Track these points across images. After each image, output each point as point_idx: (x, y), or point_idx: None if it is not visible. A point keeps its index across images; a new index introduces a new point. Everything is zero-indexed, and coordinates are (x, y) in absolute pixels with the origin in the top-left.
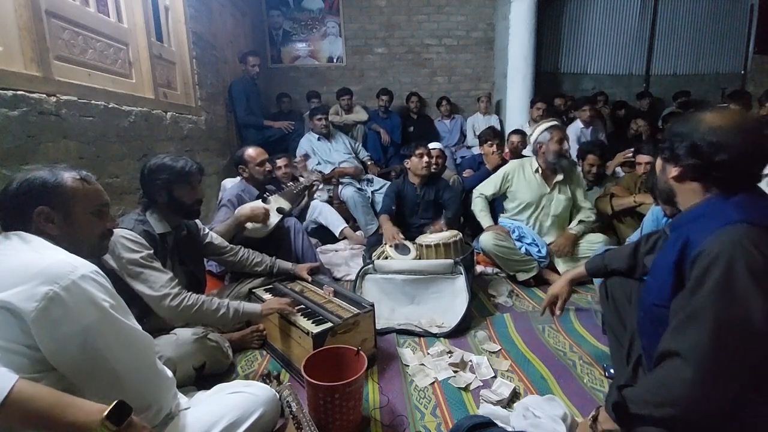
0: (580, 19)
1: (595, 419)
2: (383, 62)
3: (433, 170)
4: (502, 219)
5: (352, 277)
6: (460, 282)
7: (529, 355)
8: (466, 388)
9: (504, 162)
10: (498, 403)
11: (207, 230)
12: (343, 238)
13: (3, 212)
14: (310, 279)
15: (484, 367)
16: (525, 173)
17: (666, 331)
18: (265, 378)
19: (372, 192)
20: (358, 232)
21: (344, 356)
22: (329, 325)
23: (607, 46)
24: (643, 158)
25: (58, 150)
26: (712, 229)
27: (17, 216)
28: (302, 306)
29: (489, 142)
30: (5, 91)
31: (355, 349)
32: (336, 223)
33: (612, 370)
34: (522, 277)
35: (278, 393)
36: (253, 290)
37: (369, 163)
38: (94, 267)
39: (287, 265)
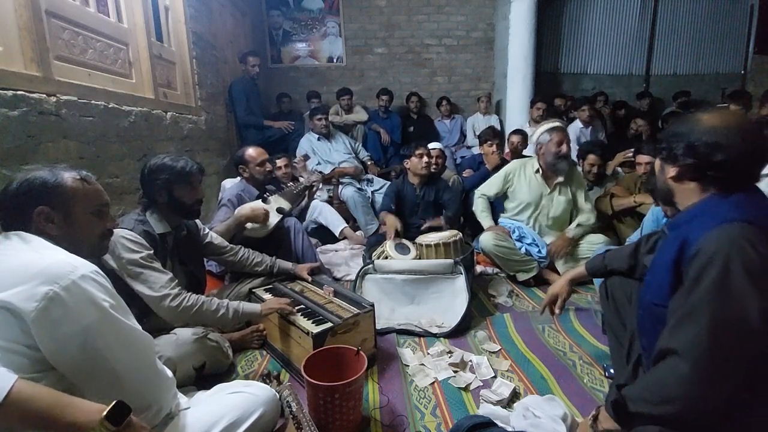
0: (580, 19)
1: (595, 419)
2: (383, 62)
3: (433, 170)
4: (503, 219)
5: (352, 277)
6: (460, 282)
7: (529, 355)
8: (466, 388)
9: (504, 162)
10: (498, 403)
11: (207, 230)
12: (343, 238)
13: (3, 212)
14: (310, 279)
15: (484, 367)
16: (526, 173)
17: (664, 329)
18: (265, 378)
19: (372, 192)
20: (358, 232)
21: (344, 356)
22: (329, 325)
23: (607, 46)
24: (643, 158)
25: (58, 150)
26: (710, 227)
27: (17, 216)
28: (302, 306)
29: (489, 142)
30: (5, 91)
31: (355, 349)
32: (336, 223)
33: (612, 370)
34: (522, 277)
35: (278, 393)
36: (253, 290)
37: (369, 163)
38: (94, 267)
39: (287, 265)
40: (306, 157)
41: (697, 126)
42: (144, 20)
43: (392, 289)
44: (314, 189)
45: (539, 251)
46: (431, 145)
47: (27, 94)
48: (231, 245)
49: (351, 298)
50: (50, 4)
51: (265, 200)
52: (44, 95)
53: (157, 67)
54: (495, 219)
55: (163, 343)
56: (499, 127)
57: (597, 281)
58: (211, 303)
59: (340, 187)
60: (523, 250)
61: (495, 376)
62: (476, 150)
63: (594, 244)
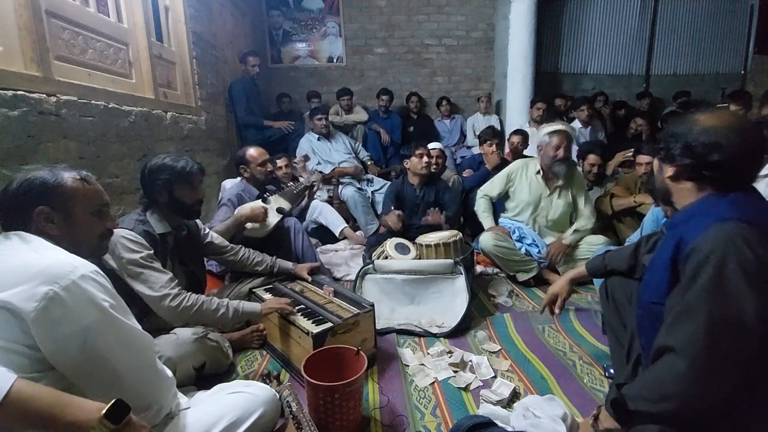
0: (580, 19)
1: (596, 418)
2: (383, 62)
3: (432, 170)
4: (503, 219)
5: (352, 277)
6: (460, 282)
7: (529, 355)
8: (466, 388)
9: (504, 162)
10: (498, 403)
11: (207, 230)
12: (343, 238)
13: (3, 212)
14: (310, 279)
15: (484, 367)
16: (527, 173)
17: (661, 327)
18: (265, 378)
19: (372, 192)
20: (358, 232)
21: (344, 356)
22: (329, 325)
23: (607, 46)
24: (643, 158)
25: (58, 150)
26: (706, 226)
27: (17, 216)
28: (302, 306)
29: (488, 142)
30: (5, 91)
31: (355, 349)
32: (336, 223)
33: (612, 370)
34: (522, 277)
35: (278, 393)
36: (253, 290)
37: (369, 163)
38: (94, 267)
39: (287, 264)
40: (306, 158)
41: (695, 126)
42: (144, 20)
43: (392, 289)
44: (314, 189)
45: (539, 251)
46: (431, 145)
47: (27, 94)
48: (231, 245)
49: (351, 298)
50: (50, 4)
51: (265, 200)
52: (44, 95)
53: (157, 67)
54: (495, 219)
55: (163, 343)
56: (499, 127)
57: (597, 281)
58: (211, 302)
59: (340, 187)
60: (523, 250)
61: (495, 376)
62: (476, 150)
63: (593, 244)
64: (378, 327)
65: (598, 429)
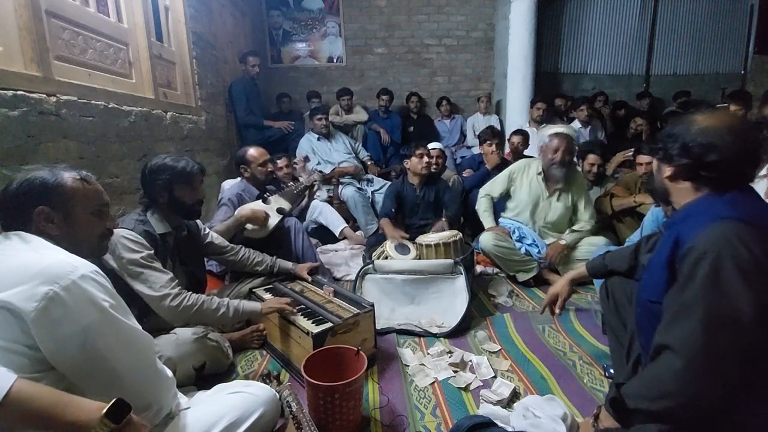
0: (580, 19)
1: (596, 418)
2: (383, 62)
3: (433, 170)
4: (503, 219)
5: (352, 277)
6: (460, 282)
7: (529, 355)
8: (466, 388)
9: (504, 162)
10: (498, 403)
11: (207, 230)
12: (343, 238)
13: (3, 212)
14: (310, 279)
15: (484, 367)
16: (529, 174)
17: (659, 326)
18: (265, 378)
19: (372, 192)
20: (358, 232)
21: (344, 356)
22: (329, 325)
23: (607, 46)
24: (643, 158)
25: (58, 150)
26: (702, 225)
27: (17, 216)
28: (302, 306)
29: (488, 142)
30: (5, 91)
31: (355, 349)
32: (336, 223)
33: (612, 370)
34: (522, 277)
35: (278, 393)
36: (254, 290)
37: (369, 163)
38: (94, 267)
39: (287, 264)
40: (306, 159)
41: (692, 127)
42: (144, 20)
43: (392, 289)
44: (314, 189)
45: (539, 252)
46: (431, 145)
47: (27, 94)
48: (231, 245)
49: (351, 298)
50: (50, 4)
51: (265, 200)
52: (44, 95)
53: (157, 67)
54: (496, 218)
55: (163, 343)
56: (499, 127)
57: (597, 282)
58: (211, 302)
59: (340, 187)
60: (523, 250)
61: (495, 376)
62: (476, 150)
63: (593, 245)
64: (378, 327)
65: (598, 428)
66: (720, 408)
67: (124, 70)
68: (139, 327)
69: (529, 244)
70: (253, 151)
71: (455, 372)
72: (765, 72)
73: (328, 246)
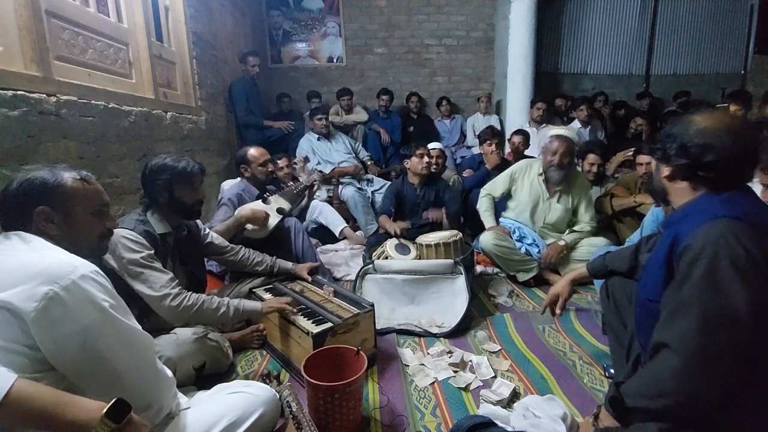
0: (580, 19)
1: (596, 417)
2: (383, 62)
3: (433, 170)
4: (503, 219)
5: (352, 277)
6: (460, 282)
7: (529, 355)
8: (466, 388)
9: (504, 162)
10: (498, 403)
11: (207, 230)
12: (343, 238)
13: (3, 212)
14: (310, 279)
15: (484, 367)
16: (530, 175)
17: (657, 324)
18: (265, 378)
19: (372, 192)
20: (358, 232)
21: (344, 356)
22: (329, 325)
23: (607, 46)
24: (643, 158)
25: (58, 150)
26: (699, 224)
27: (17, 216)
28: (302, 306)
29: (488, 142)
30: (5, 91)
31: (355, 349)
32: (336, 222)
33: (612, 370)
34: (522, 277)
35: (278, 393)
36: (253, 290)
37: (369, 163)
38: (94, 267)
39: (287, 264)
40: (306, 160)
41: (690, 127)
42: (144, 20)
43: (392, 289)
44: (314, 189)
45: (539, 251)
46: (431, 145)
47: (27, 94)
48: (231, 245)
49: (351, 298)
50: (50, 4)
51: (265, 200)
52: (44, 95)
53: (157, 67)
54: (497, 218)
55: (163, 343)
56: (499, 127)
57: (597, 282)
58: (211, 302)
59: (340, 187)
60: (523, 250)
61: (495, 376)
62: (476, 150)
63: (594, 245)
64: (378, 327)
65: (598, 428)
66: (719, 406)
67: (124, 70)
68: (139, 327)
69: (529, 244)
70: (253, 151)
71: (455, 372)
72: (765, 72)
73: (328, 246)
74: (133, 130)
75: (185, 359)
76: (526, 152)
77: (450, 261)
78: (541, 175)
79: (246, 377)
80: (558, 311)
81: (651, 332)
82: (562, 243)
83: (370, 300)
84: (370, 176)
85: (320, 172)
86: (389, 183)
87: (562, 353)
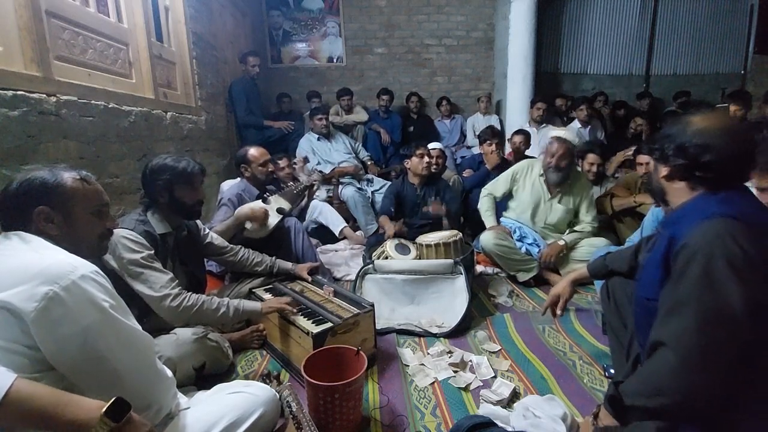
0: (580, 19)
1: (596, 417)
2: (383, 62)
3: (433, 170)
4: (504, 218)
5: (352, 277)
6: (460, 282)
7: (529, 355)
8: (466, 388)
9: (504, 161)
10: (498, 403)
11: (207, 230)
12: (343, 238)
13: (3, 212)
14: (310, 279)
15: (484, 367)
16: (532, 175)
17: (654, 323)
18: (265, 378)
19: (372, 192)
20: (358, 232)
21: (344, 356)
22: (329, 325)
23: (607, 46)
24: (643, 158)
25: (58, 150)
26: (695, 223)
27: (17, 216)
28: (302, 306)
29: (488, 142)
30: (5, 91)
31: (355, 349)
32: (336, 222)
33: (612, 370)
34: (522, 277)
35: (278, 393)
36: (253, 290)
37: (369, 163)
38: (94, 267)
39: (287, 265)
40: (306, 160)
41: (688, 128)
42: (144, 20)
43: (392, 289)
44: (314, 189)
45: (540, 251)
46: (431, 145)
47: (27, 94)
48: (231, 245)
49: (351, 298)
50: (50, 4)
51: (265, 200)
52: (44, 95)
53: (157, 67)
54: (498, 217)
55: (163, 343)
56: (499, 127)
57: (598, 282)
58: (211, 302)
59: (340, 187)
60: (523, 249)
61: (495, 376)
62: (476, 150)
63: (594, 246)
64: (378, 327)
65: (597, 427)
66: (717, 404)
67: (124, 70)
68: (139, 327)
69: (530, 244)
70: (253, 151)
71: (455, 372)
72: (765, 72)
73: (328, 246)
74: (133, 130)
75: (185, 359)
76: (527, 152)
77: (450, 261)
78: (542, 175)
79: (246, 377)
80: (559, 312)
81: (648, 331)
82: (561, 243)
83: (370, 300)
84: (370, 176)
85: (320, 172)
86: (389, 183)
87: (562, 353)
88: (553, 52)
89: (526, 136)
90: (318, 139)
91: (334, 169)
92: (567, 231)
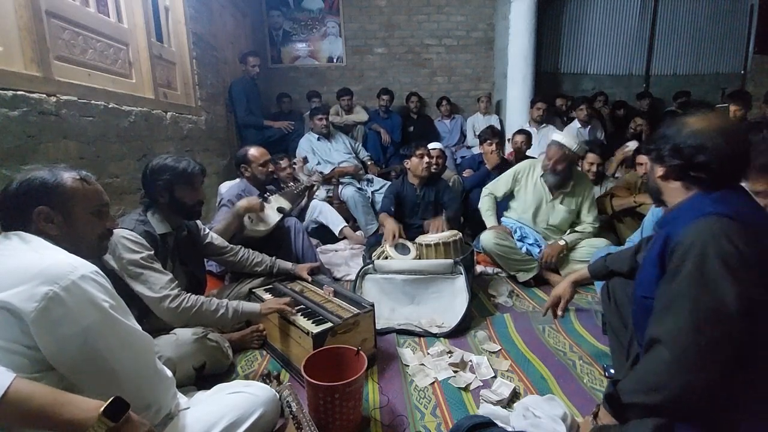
0: (580, 19)
1: (595, 416)
2: (383, 62)
3: (433, 170)
4: (505, 218)
5: (352, 277)
6: (460, 282)
7: (529, 355)
8: (466, 388)
9: (504, 161)
10: (498, 403)
11: (207, 230)
12: (343, 238)
13: (3, 212)
14: (310, 279)
15: (484, 367)
16: (533, 176)
17: (650, 319)
18: (265, 378)
19: (372, 192)
20: (358, 232)
21: (344, 356)
22: (329, 325)
23: (607, 46)
24: (643, 158)
25: (58, 150)
26: (689, 221)
27: (17, 216)
28: (302, 306)
29: (488, 142)
30: (5, 91)
31: (355, 349)
32: (336, 222)
33: (612, 370)
34: (522, 277)
35: (278, 393)
36: (253, 290)
37: (369, 163)
38: (94, 267)
39: (287, 265)
40: (305, 160)
41: (683, 129)
42: (144, 20)
43: (392, 289)
44: (314, 189)
45: (540, 251)
46: (431, 145)
47: (27, 94)
48: (231, 245)
49: (351, 298)
50: (50, 4)
51: (265, 200)
52: (44, 95)
53: (157, 67)
54: (499, 218)
55: (163, 343)
56: (499, 127)
57: (598, 283)
58: (210, 303)
59: (340, 186)
60: (524, 249)
61: (495, 376)
62: (476, 150)
63: (594, 246)
64: (378, 327)
65: (596, 425)
66: (714, 402)
67: (124, 70)
68: (139, 327)
69: (530, 244)
70: (254, 151)
71: (455, 372)
72: (765, 72)
73: (328, 246)
74: (133, 130)
75: (185, 359)
76: (528, 152)
77: (450, 261)
78: (542, 176)
79: (246, 377)
80: (560, 313)
81: (646, 328)
82: (562, 243)
83: (370, 300)
84: (370, 176)
85: (320, 173)
86: (389, 183)
87: (562, 353)
88: (553, 52)
89: (528, 135)
90: (318, 139)
91: (334, 169)
92: (568, 231)
